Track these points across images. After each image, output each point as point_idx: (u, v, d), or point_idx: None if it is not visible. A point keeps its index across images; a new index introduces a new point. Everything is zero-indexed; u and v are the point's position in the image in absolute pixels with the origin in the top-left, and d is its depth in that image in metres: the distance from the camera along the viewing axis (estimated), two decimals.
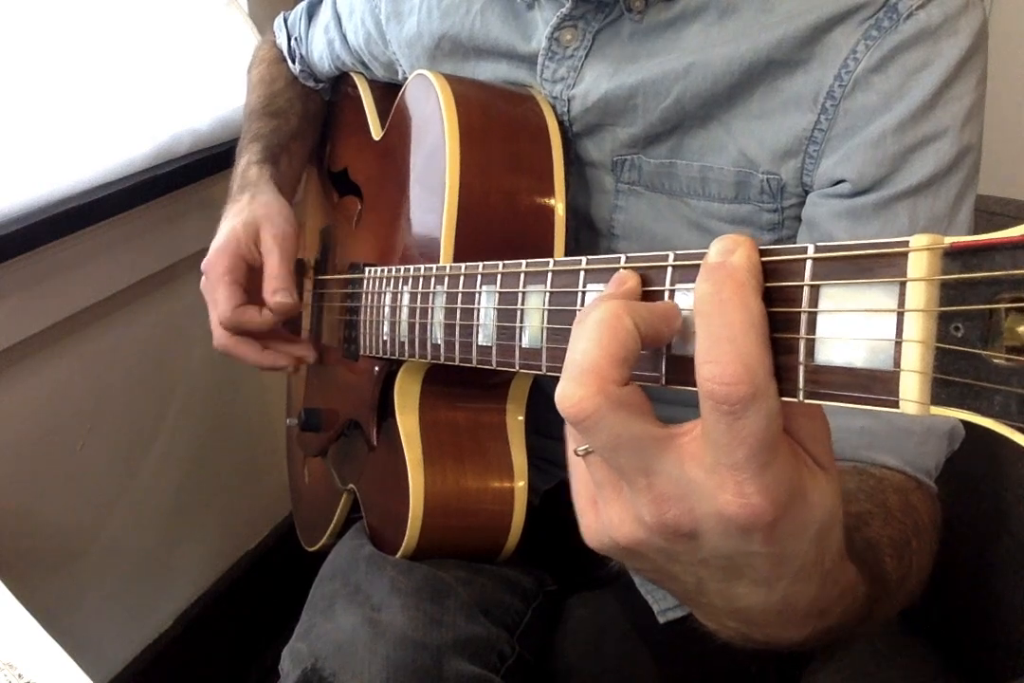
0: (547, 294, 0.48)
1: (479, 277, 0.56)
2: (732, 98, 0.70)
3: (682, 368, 0.38)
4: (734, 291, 0.33)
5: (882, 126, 0.66)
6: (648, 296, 0.40)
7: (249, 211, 0.88)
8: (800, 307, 0.34)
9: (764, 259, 0.35)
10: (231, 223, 0.87)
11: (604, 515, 0.39)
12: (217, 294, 0.84)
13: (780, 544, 0.36)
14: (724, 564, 0.38)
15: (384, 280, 0.75)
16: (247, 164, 0.96)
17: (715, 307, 0.34)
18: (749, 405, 0.33)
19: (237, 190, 0.93)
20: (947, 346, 0.29)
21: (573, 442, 0.39)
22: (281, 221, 0.88)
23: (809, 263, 0.34)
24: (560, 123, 0.76)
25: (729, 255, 0.35)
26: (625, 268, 0.41)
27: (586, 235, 0.81)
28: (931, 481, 0.64)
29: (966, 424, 0.30)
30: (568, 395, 0.35)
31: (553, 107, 0.76)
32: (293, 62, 1.07)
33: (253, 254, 0.86)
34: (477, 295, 0.56)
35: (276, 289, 0.83)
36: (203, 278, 0.87)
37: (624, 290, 0.40)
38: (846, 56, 0.66)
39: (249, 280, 0.86)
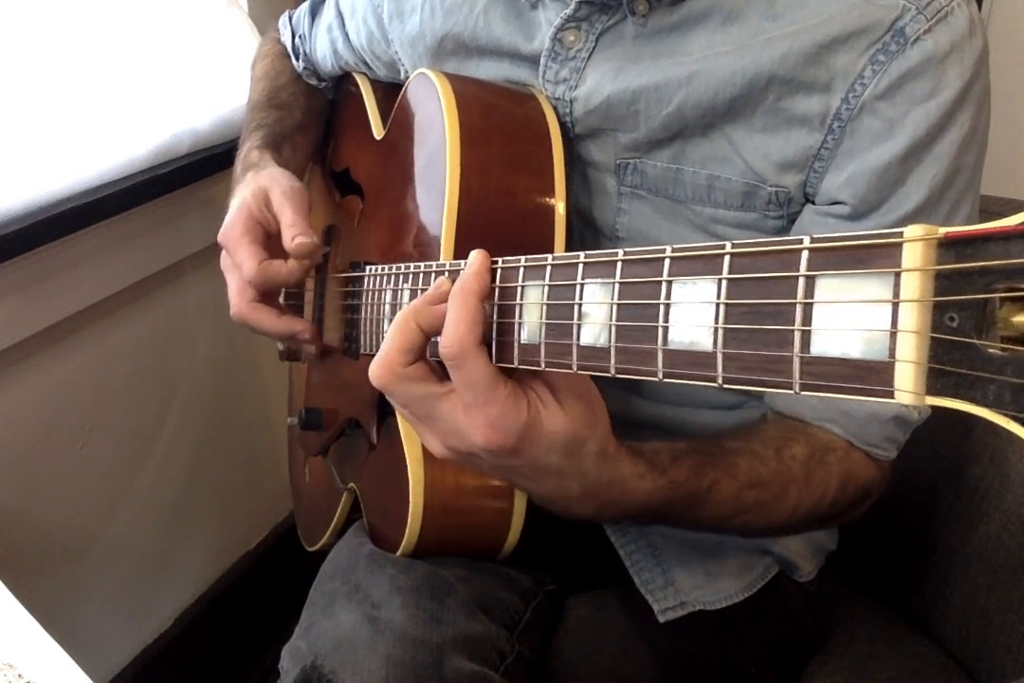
0: (545, 288, 0.48)
1: None
2: (733, 110, 0.70)
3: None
4: (457, 293, 0.52)
5: (886, 154, 0.67)
6: (643, 288, 0.41)
7: (255, 183, 0.86)
8: (796, 298, 0.34)
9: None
10: (239, 196, 0.86)
11: (422, 439, 0.58)
12: (239, 255, 0.82)
13: (529, 458, 0.54)
14: (501, 469, 0.58)
15: (384, 278, 0.74)
16: (249, 149, 0.95)
17: (450, 302, 0.52)
18: (462, 360, 0.51)
19: (240, 172, 0.92)
20: (942, 336, 0.29)
21: None
22: (288, 181, 0.86)
23: (805, 254, 0.34)
24: (562, 124, 0.76)
25: (470, 267, 0.52)
26: (624, 261, 0.42)
27: (590, 237, 0.80)
28: (879, 451, 0.74)
29: (964, 420, 0.30)
30: (371, 371, 0.54)
31: (555, 108, 0.76)
32: (297, 59, 1.06)
33: (267, 216, 0.84)
34: None
35: (294, 235, 0.80)
36: (222, 254, 0.85)
37: (438, 293, 0.54)
38: (853, 80, 0.66)
39: (267, 246, 0.83)
